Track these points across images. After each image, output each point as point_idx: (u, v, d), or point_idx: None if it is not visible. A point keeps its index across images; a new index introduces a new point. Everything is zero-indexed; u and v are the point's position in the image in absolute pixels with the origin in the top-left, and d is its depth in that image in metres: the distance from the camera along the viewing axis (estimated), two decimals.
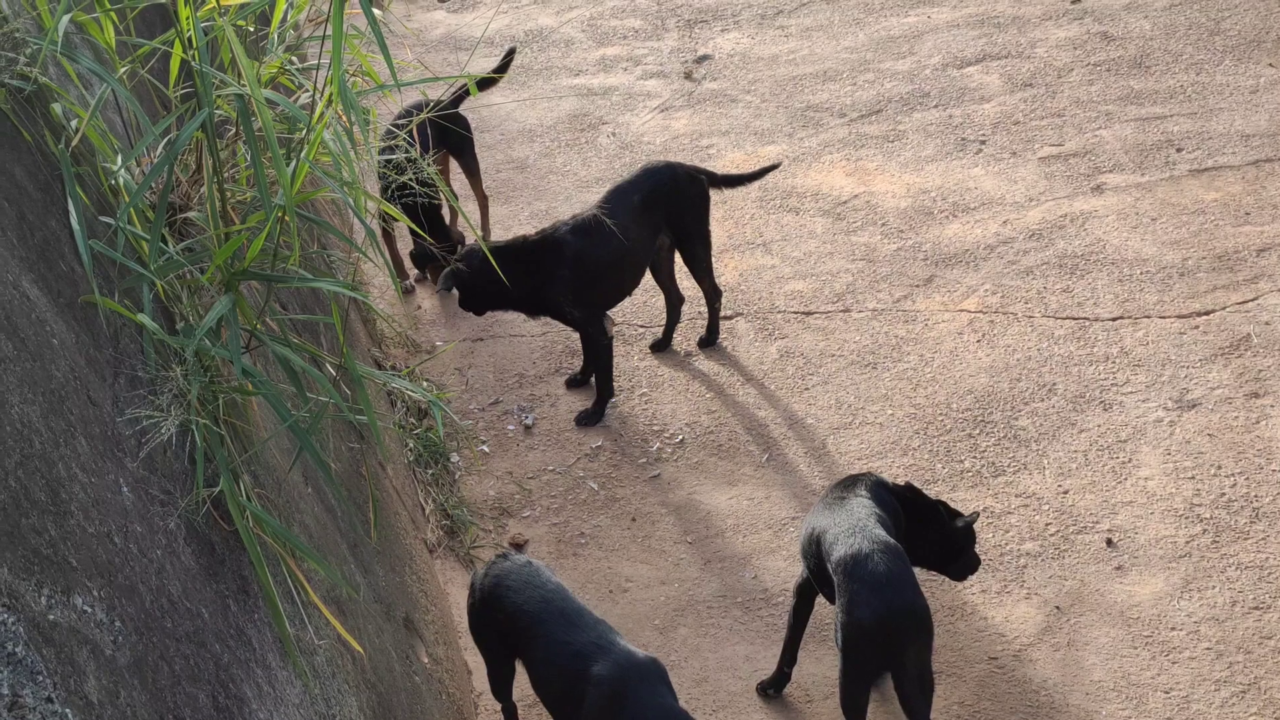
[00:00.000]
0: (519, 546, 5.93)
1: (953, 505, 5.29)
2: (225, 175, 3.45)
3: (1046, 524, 5.76)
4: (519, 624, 4.53)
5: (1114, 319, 6.87)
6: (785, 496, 6.08)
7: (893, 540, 4.67)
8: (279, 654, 3.00)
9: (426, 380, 6.90)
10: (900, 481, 5.20)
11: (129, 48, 3.54)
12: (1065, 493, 5.90)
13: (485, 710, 5.10)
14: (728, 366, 6.93)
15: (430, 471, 6.20)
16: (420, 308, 7.65)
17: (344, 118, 3.47)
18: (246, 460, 3.17)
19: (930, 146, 8.57)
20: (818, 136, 8.83)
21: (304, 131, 3.42)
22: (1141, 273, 7.16)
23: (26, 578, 2.11)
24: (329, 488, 4.08)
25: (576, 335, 6.86)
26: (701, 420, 6.59)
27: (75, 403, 2.55)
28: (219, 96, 3.29)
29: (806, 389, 6.70)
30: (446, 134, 7.32)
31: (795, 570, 5.15)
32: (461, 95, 7.51)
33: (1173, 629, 5.24)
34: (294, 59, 3.88)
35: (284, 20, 3.83)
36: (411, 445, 6.25)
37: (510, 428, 6.68)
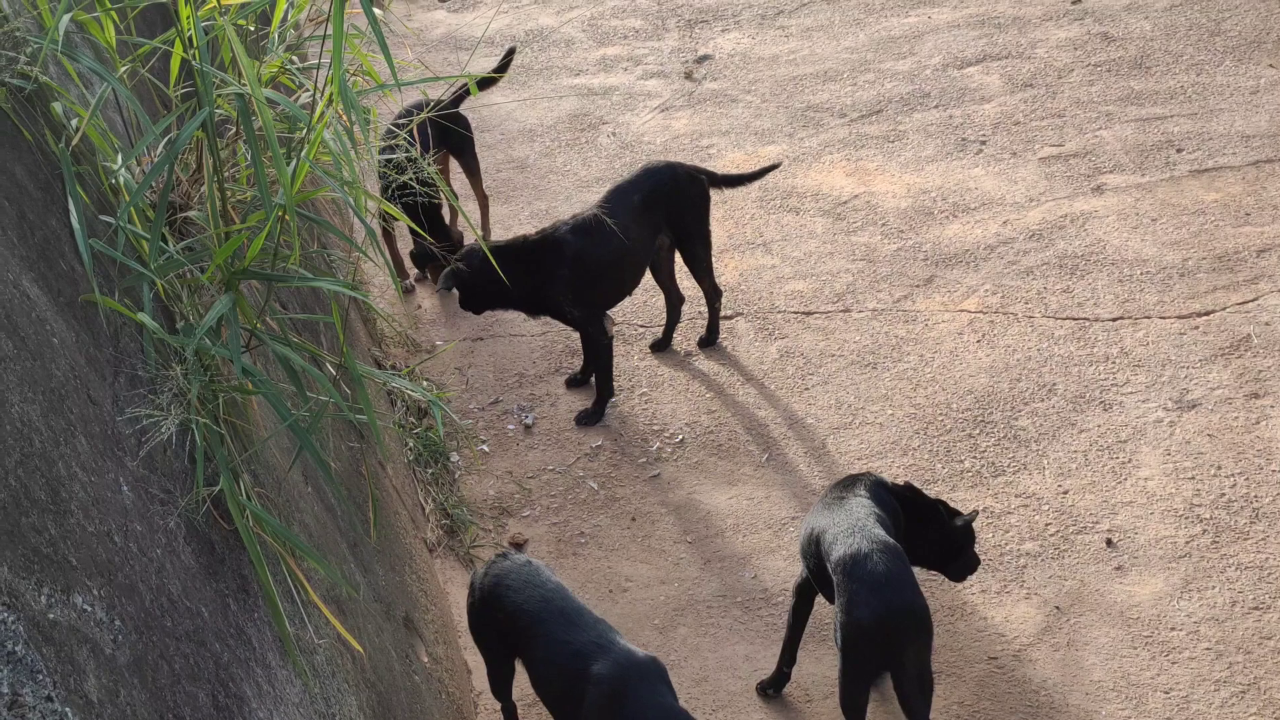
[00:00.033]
0: (519, 546, 5.93)
1: (952, 505, 5.29)
2: (225, 174, 3.45)
3: (1046, 524, 5.76)
4: (519, 623, 4.53)
5: (1114, 319, 6.87)
6: (785, 496, 6.08)
7: (892, 540, 4.67)
8: (279, 653, 3.00)
9: (426, 380, 6.90)
10: (900, 481, 5.20)
11: (129, 47, 3.54)
12: (1065, 493, 5.90)
13: (485, 710, 5.11)
14: (728, 366, 6.93)
15: (430, 471, 6.20)
16: (420, 307, 7.66)
17: (344, 117, 3.47)
18: (246, 459, 3.17)
19: (930, 147, 8.57)
20: (818, 136, 8.83)
21: (304, 131, 3.42)
22: (1142, 273, 7.16)
23: (26, 576, 2.11)
24: (329, 487, 4.08)
25: (576, 335, 6.86)
26: (701, 420, 6.59)
27: (75, 402, 2.55)
28: (219, 96, 3.30)
29: (806, 389, 6.70)
30: (447, 133, 7.32)
31: (795, 570, 5.15)
32: (462, 95, 7.51)
33: (1172, 629, 5.24)
34: (294, 58, 3.88)
35: (284, 20, 3.83)
36: (411, 444, 6.25)
37: (510, 427, 6.68)
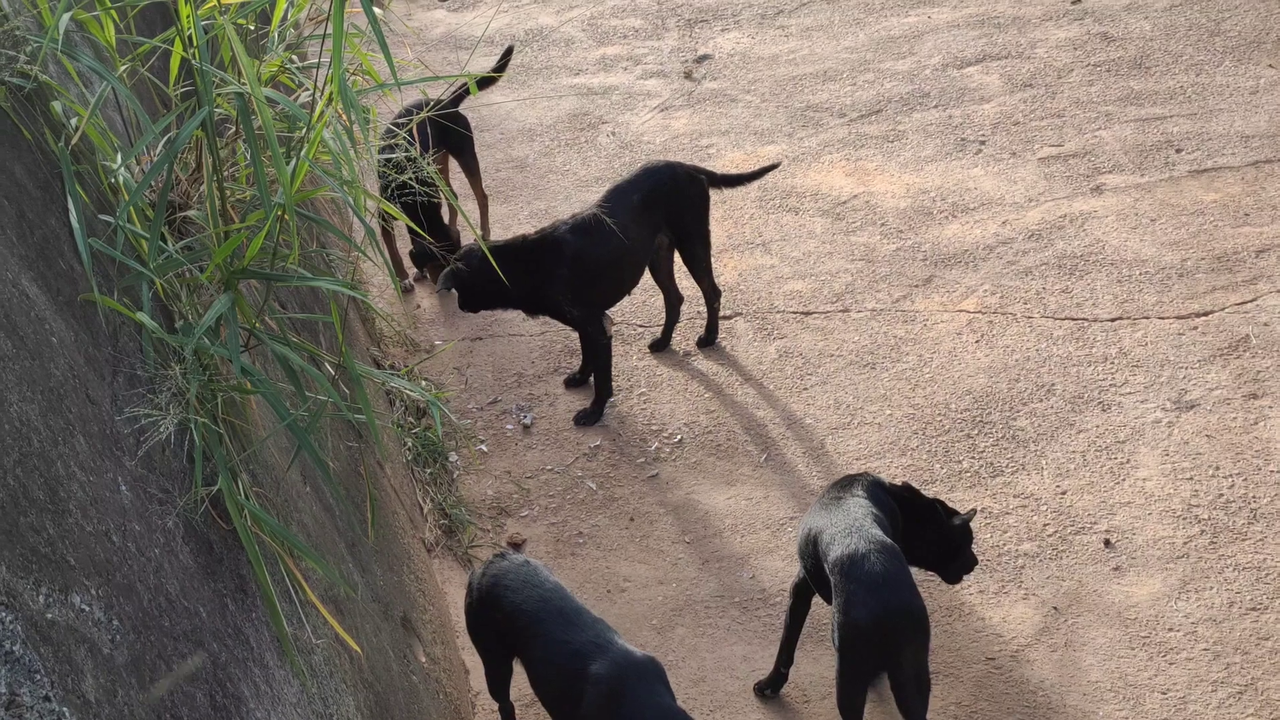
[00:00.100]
0: (517, 546, 5.93)
1: (951, 505, 5.29)
2: (225, 174, 3.46)
3: (1044, 524, 5.76)
4: (517, 623, 4.53)
5: (1113, 320, 6.87)
6: (783, 496, 6.08)
7: (889, 540, 4.67)
8: (276, 653, 3.01)
9: (425, 379, 6.90)
10: (898, 481, 5.20)
11: (129, 46, 3.54)
12: (1063, 493, 5.90)
13: (482, 710, 5.11)
14: (726, 366, 6.94)
15: (428, 471, 6.20)
16: (419, 307, 7.66)
17: (344, 116, 3.47)
18: (245, 459, 3.17)
19: (930, 147, 8.57)
20: (817, 136, 8.84)
21: (304, 130, 3.42)
22: (1140, 273, 7.16)
23: (25, 576, 2.11)
24: (327, 487, 4.08)
25: (575, 335, 6.86)
26: (700, 420, 6.59)
27: (74, 401, 2.55)
28: (219, 95, 3.30)
29: (805, 389, 6.70)
30: (446, 133, 7.32)
31: (793, 570, 5.15)
32: (462, 94, 7.51)
33: (1170, 630, 5.24)
34: (294, 57, 3.88)
35: (284, 19, 3.83)
36: (410, 444, 6.25)
37: (509, 427, 6.69)
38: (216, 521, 2.98)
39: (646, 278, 6.86)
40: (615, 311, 7.03)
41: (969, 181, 8.17)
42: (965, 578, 5.30)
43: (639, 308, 7.38)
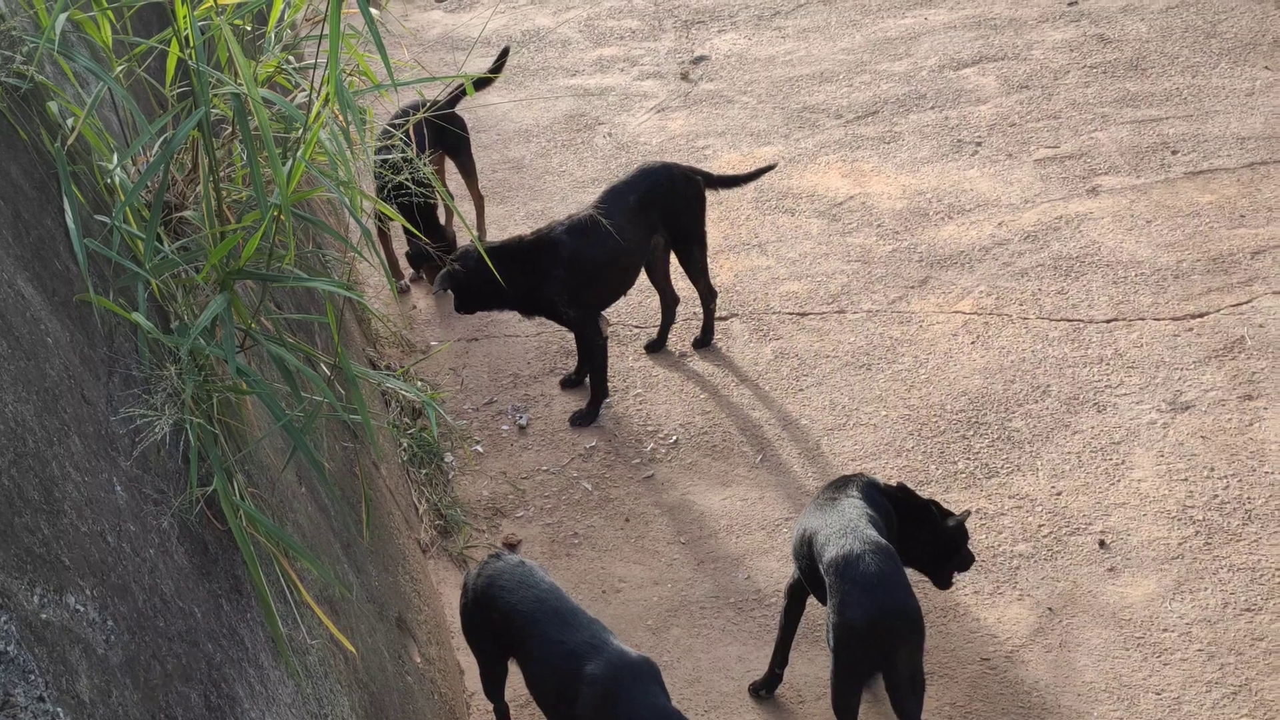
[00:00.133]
0: (512, 547, 5.94)
1: (946, 506, 5.30)
2: (221, 174, 3.46)
3: (1039, 525, 5.77)
4: (513, 624, 4.54)
5: (1108, 321, 6.88)
6: (779, 497, 6.09)
7: (884, 541, 4.68)
8: (271, 653, 3.01)
9: (421, 380, 6.90)
10: (893, 482, 5.21)
11: (126, 46, 3.54)
12: (1058, 494, 5.91)
13: (477, 710, 5.11)
14: (722, 367, 6.94)
15: (424, 471, 6.20)
16: (415, 307, 7.66)
17: (340, 117, 3.47)
18: (240, 459, 3.17)
19: (926, 148, 8.58)
20: (814, 138, 8.84)
21: (300, 131, 3.42)
22: (1136, 275, 7.17)
23: (19, 576, 2.11)
24: (322, 487, 4.08)
25: (571, 335, 6.87)
26: (696, 421, 6.60)
27: (69, 401, 2.55)
28: (215, 95, 3.30)
29: (801, 390, 6.71)
30: (443, 134, 7.33)
31: (788, 571, 5.16)
32: (458, 95, 7.52)
33: (1165, 630, 5.25)
34: (291, 58, 3.88)
35: (281, 19, 3.83)
36: (405, 445, 6.25)
37: (504, 428, 6.69)
38: (211, 522, 2.98)
39: (643, 278, 6.86)
40: (611, 312, 7.03)
41: (965, 183, 8.18)
42: (960, 578, 5.30)
43: (635, 308, 7.38)
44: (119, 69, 3.41)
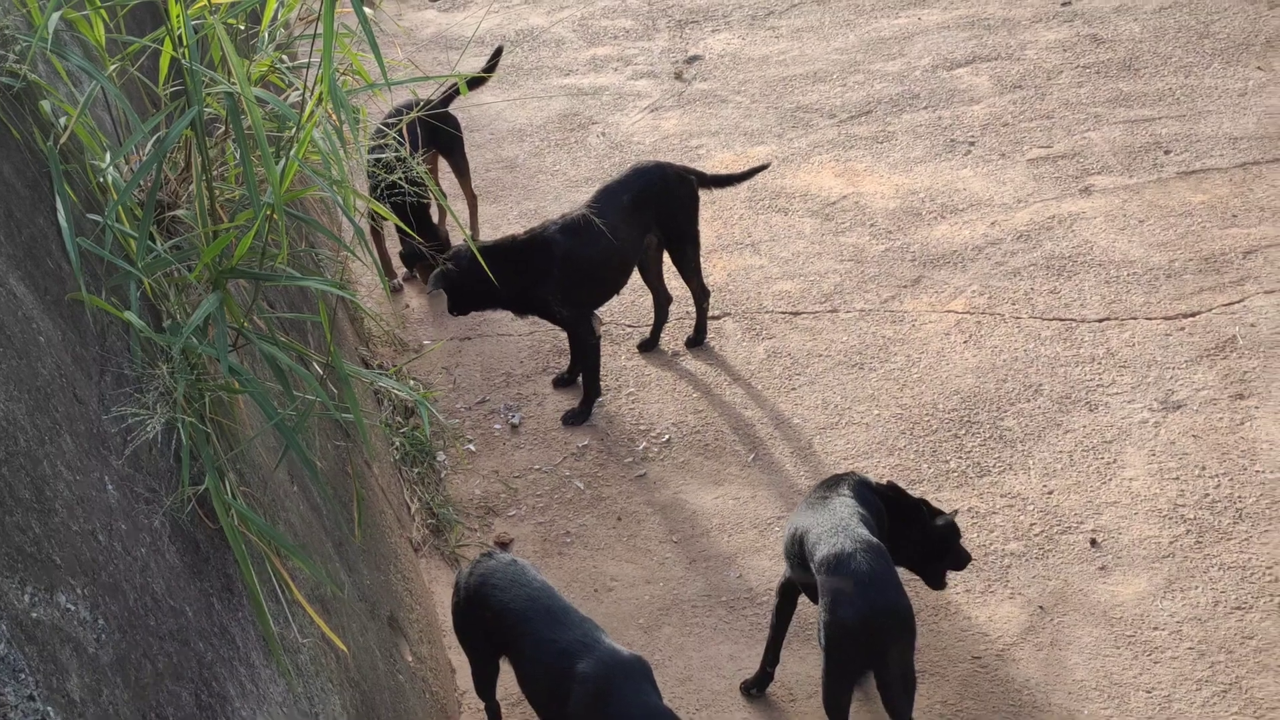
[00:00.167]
0: (504, 545, 5.94)
1: (938, 505, 5.31)
2: (214, 173, 3.46)
3: (1031, 524, 5.78)
4: (505, 622, 4.54)
5: (1100, 320, 6.90)
6: (771, 496, 6.10)
7: (875, 539, 4.69)
8: (262, 652, 3.01)
9: (413, 379, 6.91)
10: (884, 481, 5.22)
11: (119, 45, 3.55)
12: (1050, 493, 5.92)
13: (469, 709, 5.12)
14: (715, 366, 6.95)
15: (416, 470, 6.21)
16: (408, 306, 7.66)
17: (334, 116, 3.47)
18: (232, 458, 3.18)
19: (919, 148, 8.59)
20: (807, 137, 8.85)
21: (293, 130, 3.43)
22: (1128, 274, 7.18)
23: (10, 575, 2.11)
24: (315, 486, 4.09)
25: (564, 334, 6.87)
26: (688, 420, 6.61)
27: (61, 400, 2.56)
28: (209, 94, 3.30)
29: (793, 389, 6.72)
30: (436, 133, 7.33)
31: (780, 570, 5.16)
32: (452, 94, 7.52)
33: (1155, 629, 5.26)
34: (284, 57, 3.88)
35: (274, 19, 3.84)
36: (398, 444, 6.26)
37: (497, 427, 6.69)
38: (203, 521, 2.99)
39: (635, 278, 6.87)
40: (604, 311, 7.04)
41: (958, 182, 8.19)
42: (951, 576, 5.31)
43: (628, 308, 7.39)
44: (112, 68, 3.41)
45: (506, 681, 4.80)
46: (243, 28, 4.03)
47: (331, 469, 4.48)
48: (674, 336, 7.16)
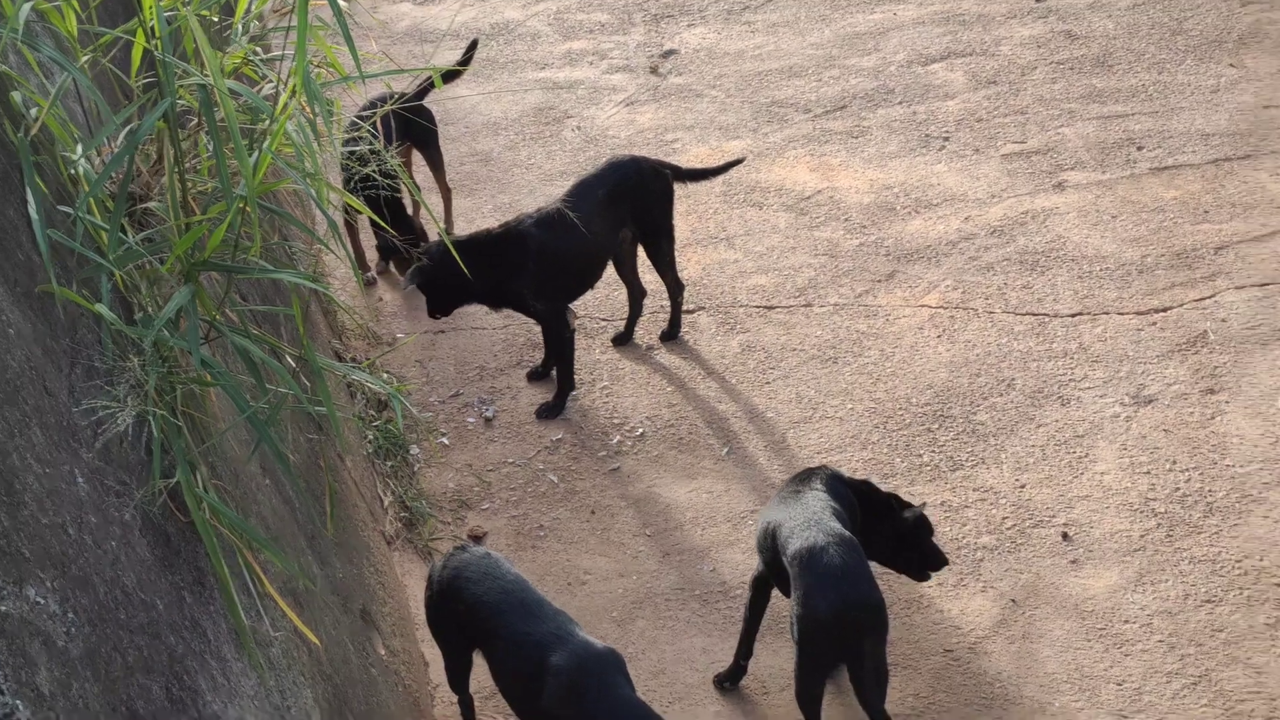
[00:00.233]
0: (478, 539, 5.94)
1: (911, 499, 5.33)
2: (187, 165, 3.45)
3: (1003, 518, 5.81)
4: (478, 615, 4.54)
5: (1073, 315, 6.93)
6: (745, 490, 6.11)
7: (848, 533, 4.70)
8: (234, 646, 3.01)
9: (387, 372, 6.89)
10: (859, 476, 5.23)
11: (91, 36, 3.53)
12: (1022, 487, 5.95)
13: (442, 702, 5.12)
14: (689, 360, 6.96)
15: (389, 463, 6.20)
16: (381, 300, 7.65)
17: (307, 109, 3.46)
18: (204, 451, 3.17)
19: (894, 143, 8.61)
20: (782, 132, 8.86)
21: (267, 122, 3.42)
22: (1101, 269, 7.22)
23: None
24: (287, 479, 4.08)
25: (538, 328, 6.87)
26: (662, 414, 6.61)
27: (30, 392, 2.55)
28: (181, 86, 3.29)
29: (767, 383, 6.73)
30: (411, 126, 7.31)
31: (753, 563, 5.18)
32: (427, 88, 7.50)
33: (1126, 622, 5.30)
34: (258, 49, 3.87)
35: (248, 10, 3.82)
36: (371, 437, 6.25)
37: (470, 420, 6.69)
38: (175, 514, 2.98)
39: (610, 271, 6.87)
40: (578, 305, 7.04)
41: (932, 177, 8.21)
42: (933, 575, 5.32)
43: (602, 301, 7.39)
44: (84, 59, 3.39)
45: (480, 674, 4.80)
46: (216, 19, 4.02)
47: (304, 462, 4.47)
48: (648, 330, 7.16)
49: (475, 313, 7.28)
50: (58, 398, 2.67)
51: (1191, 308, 6.87)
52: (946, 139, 8.58)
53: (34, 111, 3.11)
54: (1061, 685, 5.09)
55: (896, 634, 5.20)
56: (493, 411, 6.72)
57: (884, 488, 5.22)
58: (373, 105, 6.85)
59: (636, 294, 7.04)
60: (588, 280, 6.71)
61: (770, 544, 4.85)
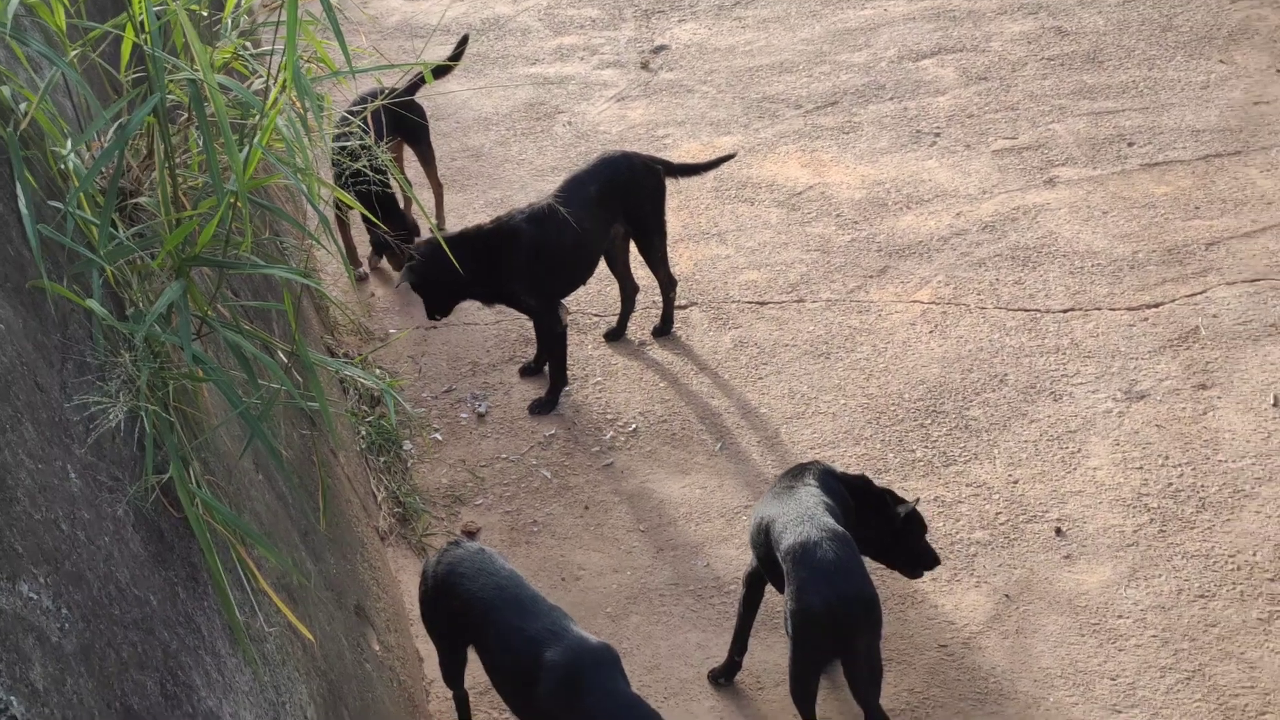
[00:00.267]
0: (471, 534, 5.93)
1: (905, 494, 5.32)
2: (177, 161, 3.43)
3: (997, 513, 5.81)
4: (472, 611, 4.53)
5: (1065, 311, 6.93)
6: (738, 485, 6.11)
7: (841, 528, 4.70)
8: (228, 641, 2.99)
9: (379, 368, 6.87)
10: (853, 472, 5.23)
11: (80, 30, 3.51)
12: (1015, 482, 5.95)
13: (436, 697, 5.11)
14: (681, 356, 6.95)
15: (383, 459, 6.19)
16: (373, 295, 7.63)
17: (298, 104, 3.45)
18: (196, 447, 3.16)
19: (885, 138, 8.61)
20: (773, 127, 8.86)
21: (257, 117, 3.40)
22: (1092, 265, 7.22)
23: None
24: (280, 475, 4.07)
25: (530, 323, 6.86)
26: (655, 409, 6.60)
27: (22, 388, 2.53)
28: (171, 81, 3.27)
29: (760, 378, 6.72)
30: (401, 121, 7.29)
31: (747, 558, 5.17)
32: (417, 83, 7.49)
33: (1120, 617, 5.30)
34: (248, 44, 3.85)
35: (237, 5, 3.80)
36: (364, 433, 6.23)
37: (463, 416, 6.68)
38: (168, 510, 2.96)
39: (602, 267, 6.86)
40: (571, 301, 7.03)
41: (923, 173, 8.21)
42: (925, 573, 5.31)
43: (595, 297, 7.38)
44: (73, 53, 3.37)
45: (474, 670, 4.79)
46: (205, 14, 3.99)
47: (297, 458, 4.46)
48: (641, 326, 7.15)
49: (468, 308, 7.25)
50: (49, 393, 2.65)
51: (1183, 303, 6.88)
52: (937, 135, 8.58)
53: (23, 106, 3.09)
54: (1056, 680, 5.09)
55: (891, 629, 5.20)
56: (485, 407, 6.70)
57: (878, 483, 5.22)
58: (363, 100, 6.84)
59: (629, 289, 7.04)
60: (580, 276, 6.70)
61: (764, 539, 4.85)
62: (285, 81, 3.29)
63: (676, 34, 10.24)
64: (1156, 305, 6.89)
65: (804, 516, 4.71)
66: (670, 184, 6.93)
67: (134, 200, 3.40)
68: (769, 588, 5.05)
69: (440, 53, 9.05)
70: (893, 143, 8.55)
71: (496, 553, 4.73)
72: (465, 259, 5.95)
